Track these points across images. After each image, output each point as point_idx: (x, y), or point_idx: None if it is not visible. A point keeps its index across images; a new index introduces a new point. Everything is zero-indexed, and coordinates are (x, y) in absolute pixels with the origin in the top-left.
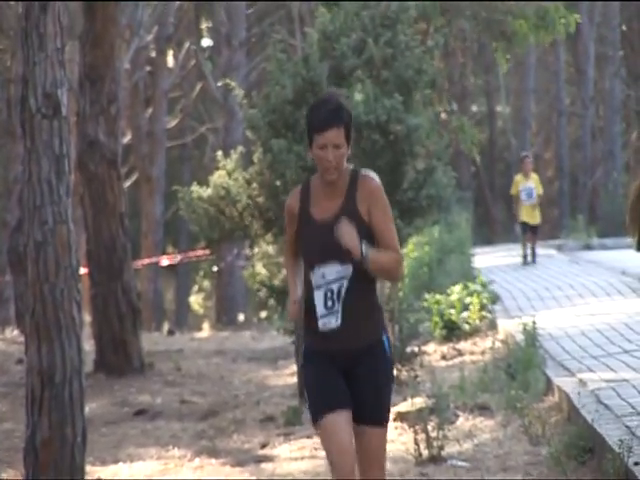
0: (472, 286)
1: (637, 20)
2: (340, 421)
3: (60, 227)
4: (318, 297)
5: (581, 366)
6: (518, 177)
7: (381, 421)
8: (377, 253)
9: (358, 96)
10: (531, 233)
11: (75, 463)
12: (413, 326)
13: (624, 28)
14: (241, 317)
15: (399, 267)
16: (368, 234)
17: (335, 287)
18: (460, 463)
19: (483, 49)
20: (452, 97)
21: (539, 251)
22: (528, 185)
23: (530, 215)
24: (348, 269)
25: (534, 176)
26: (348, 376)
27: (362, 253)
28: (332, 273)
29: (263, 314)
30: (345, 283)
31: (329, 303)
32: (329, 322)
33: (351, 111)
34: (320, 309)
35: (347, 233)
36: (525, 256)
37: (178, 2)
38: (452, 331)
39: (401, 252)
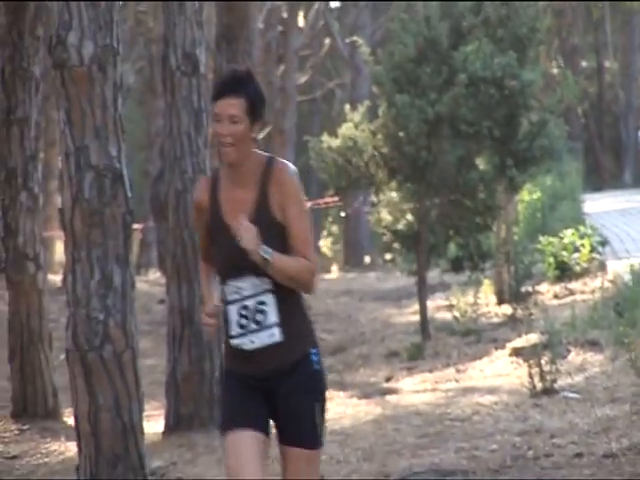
0: (583, 230)
1: None
2: (244, 440)
3: (199, 176)
4: (231, 314)
5: None
6: None
7: (308, 443)
8: (285, 259)
9: (475, 53)
10: None
11: (213, 396)
12: (527, 267)
13: None
14: (367, 259)
15: (311, 277)
16: (281, 235)
17: (251, 303)
18: (571, 395)
19: (591, 8)
20: (562, 54)
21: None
22: None
23: None
24: (267, 282)
25: None
26: (271, 395)
27: (264, 257)
28: (248, 287)
29: (387, 256)
30: (264, 298)
31: (243, 322)
32: (243, 343)
33: (260, 88)
34: (234, 328)
35: (246, 233)
36: None
37: None
38: (564, 272)
39: (315, 259)
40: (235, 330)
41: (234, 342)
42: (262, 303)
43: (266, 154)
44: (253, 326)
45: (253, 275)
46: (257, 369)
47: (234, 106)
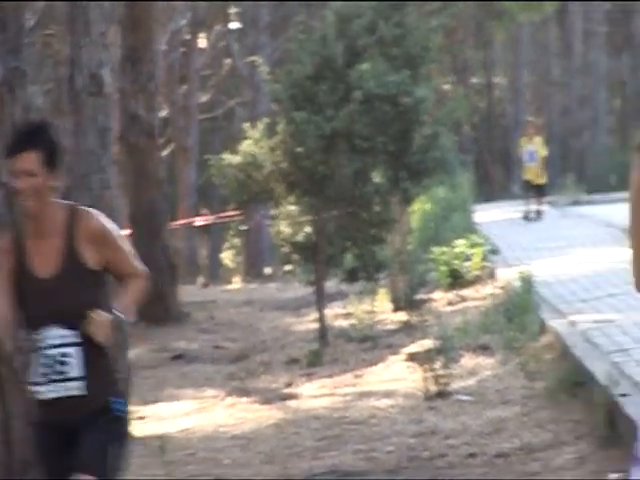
0: (474, 239)
1: None
2: None
3: (105, 193)
4: (35, 362)
5: (572, 309)
6: (522, 140)
7: (94, 471)
8: (130, 301)
9: (369, 71)
10: (535, 192)
11: None
12: (421, 276)
13: (608, 6)
14: (268, 270)
15: (145, 286)
16: (95, 279)
17: (56, 353)
18: (464, 397)
19: (481, 26)
20: (453, 70)
21: (534, 207)
22: (530, 148)
23: (533, 175)
24: (74, 335)
25: (537, 139)
26: (72, 438)
27: (122, 325)
28: (54, 337)
29: (287, 268)
30: (69, 350)
31: (46, 370)
32: (44, 392)
33: (55, 137)
34: (36, 376)
35: (100, 330)
36: (527, 212)
37: None
38: (456, 280)
39: (142, 266)
40: (38, 378)
41: (36, 389)
42: (67, 355)
43: (68, 203)
44: (56, 376)
45: (59, 326)
46: (58, 416)
47: (29, 160)
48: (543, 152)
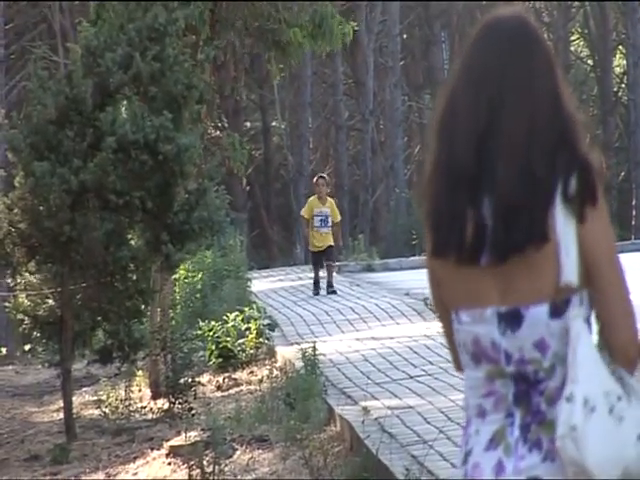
0: (248, 312)
1: (418, 28)
2: None
3: None
4: None
5: (364, 394)
6: (312, 200)
7: None
8: None
9: (124, 114)
10: (326, 259)
11: None
12: (187, 356)
13: (404, 37)
14: (3, 351)
15: None
16: None
17: None
18: None
19: (257, 61)
20: (224, 113)
21: (312, 274)
22: (323, 210)
23: (323, 241)
24: None
25: (330, 200)
26: None
27: None
28: None
29: (27, 347)
30: None
31: None
32: None
33: None
34: None
35: None
36: (316, 283)
37: None
38: (228, 360)
39: None
40: None
41: None
42: None
43: None
44: None
45: None
46: None
47: None
48: (337, 217)
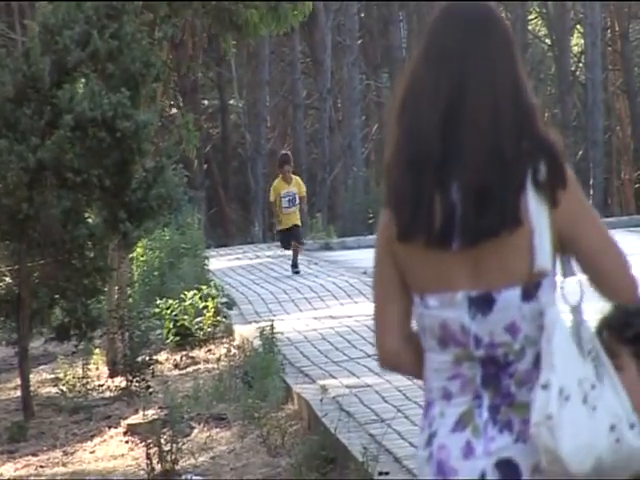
0: (206, 290)
1: (376, 6)
2: None
3: None
4: None
5: (322, 372)
6: (277, 183)
7: None
8: None
9: (82, 92)
10: (294, 239)
11: None
12: (144, 334)
13: (362, 15)
14: None
15: None
16: None
17: None
18: (195, 477)
19: (215, 40)
20: (181, 91)
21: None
22: (290, 191)
23: (290, 220)
24: None
25: (295, 178)
26: None
27: None
28: None
29: None
30: None
31: None
32: None
33: None
34: None
35: None
36: (295, 264)
37: None
38: (186, 338)
39: None
40: None
41: None
42: None
43: None
44: None
45: None
46: None
47: None
48: (303, 191)
